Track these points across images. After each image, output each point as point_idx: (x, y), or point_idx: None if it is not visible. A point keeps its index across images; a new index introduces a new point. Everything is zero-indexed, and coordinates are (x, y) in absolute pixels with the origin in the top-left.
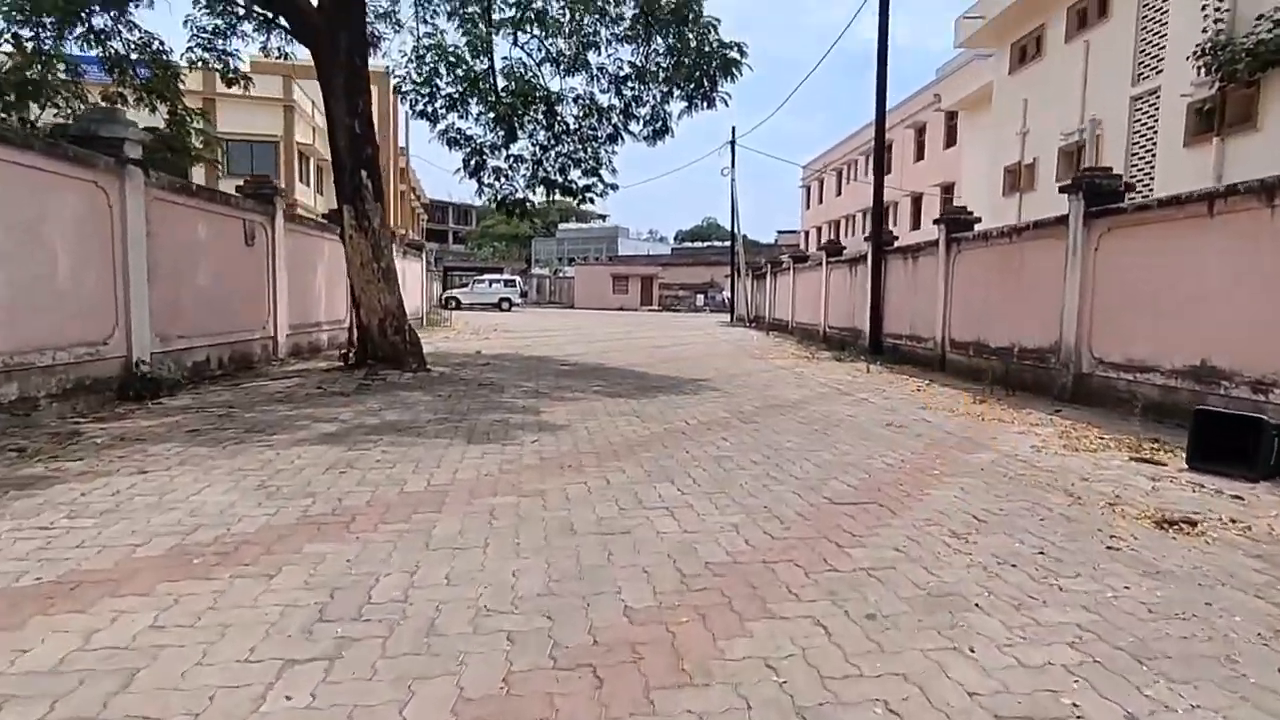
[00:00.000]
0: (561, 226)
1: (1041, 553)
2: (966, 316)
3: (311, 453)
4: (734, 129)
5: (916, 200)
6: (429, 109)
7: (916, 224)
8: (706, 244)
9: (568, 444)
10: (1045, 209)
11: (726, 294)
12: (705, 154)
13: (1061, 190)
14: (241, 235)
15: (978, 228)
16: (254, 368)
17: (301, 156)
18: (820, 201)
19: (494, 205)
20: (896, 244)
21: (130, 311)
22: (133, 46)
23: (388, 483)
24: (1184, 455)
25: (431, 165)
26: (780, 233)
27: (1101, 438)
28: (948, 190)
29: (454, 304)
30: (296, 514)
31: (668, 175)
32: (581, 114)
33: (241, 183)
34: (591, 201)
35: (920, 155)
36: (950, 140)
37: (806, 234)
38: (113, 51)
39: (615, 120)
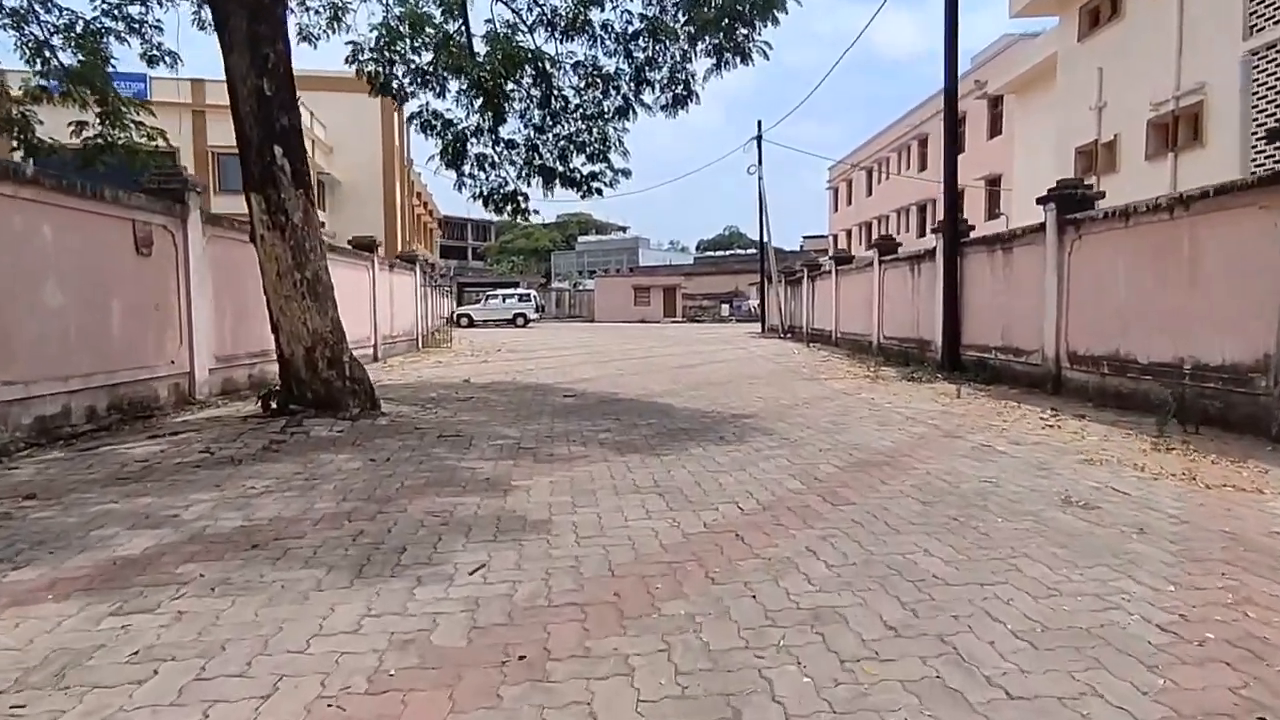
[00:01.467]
0: (581, 239)
1: None
2: (1094, 322)
3: (34, 624)
4: (760, 123)
5: (958, 196)
6: (390, 83)
7: None
8: (729, 252)
9: (534, 576)
10: (1131, 192)
11: (753, 303)
12: (729, 151)
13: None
14: (130, 242)
15: (1103, 204)
16: (151, 416)
17: None
18: (849, 203)
19: (478, 200)
20: (973, 234)
21: None
22: (54, 30)
23: None
24: None
25: (446, 178)
26: (806, 238)
27: None
28: (993, 183)
29: (466, 321)
30: None
31: (691, 175)
32: (583, 83)
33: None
34: (599, 193)
35: (960, 148)
36: (995, 129)
37: (835, 238)
38: (31, 37)
39: (625, 88)
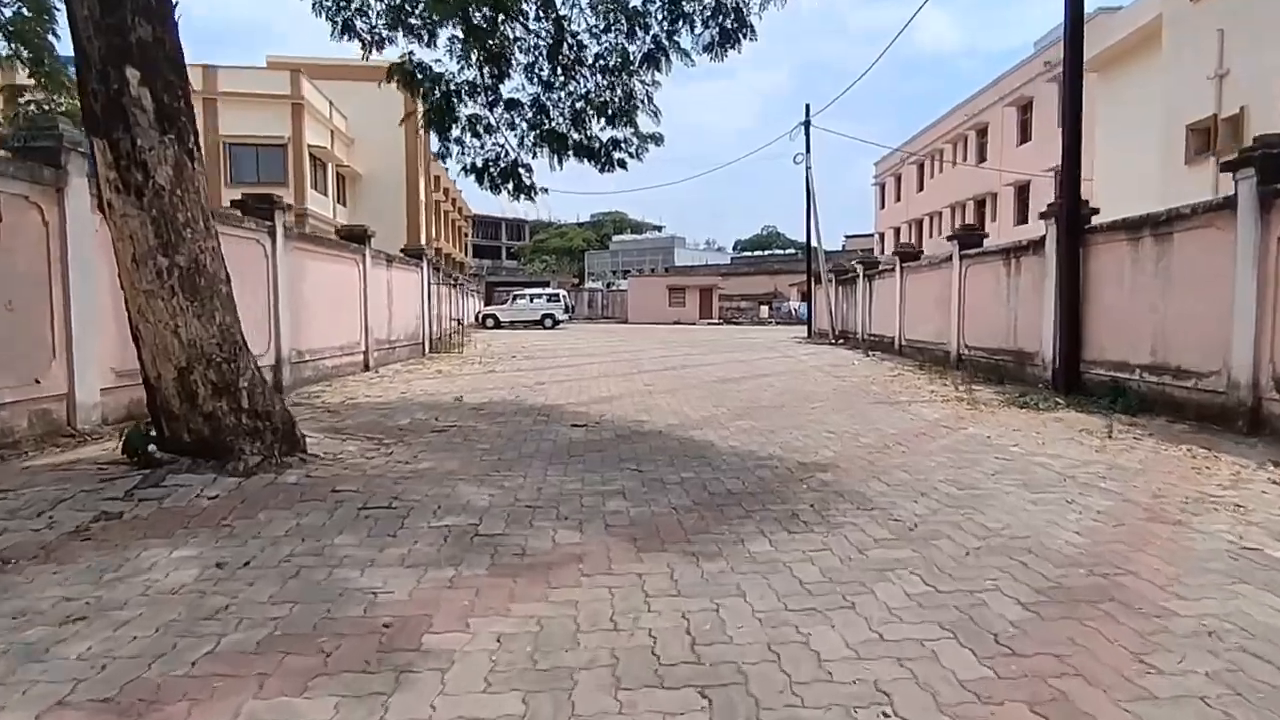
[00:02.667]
0: (616, 238)
1: None
2: None
3: None
4: (808, 107)
5: (1022, 190)
6: (353, 23)
7: (1024, 218)
8: (768, 252)
9: None
10: None
11: (794, 305)
12: (774, 138)
13: None
14: None
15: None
16: None
17: (316, 162)
18: (898, 199)
19: (470, 175)
20: (1103, 221)
21: None
22: None
23: None
24: None
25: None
26: (849, 237)
27: None
28: None
29: (492, 322)
30: None
31: (732, 165)
32: (602, 24)
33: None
34: (623, 165)
35: (1025, 137)
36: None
37: (881, 236)
38: None
39: (655, 27)
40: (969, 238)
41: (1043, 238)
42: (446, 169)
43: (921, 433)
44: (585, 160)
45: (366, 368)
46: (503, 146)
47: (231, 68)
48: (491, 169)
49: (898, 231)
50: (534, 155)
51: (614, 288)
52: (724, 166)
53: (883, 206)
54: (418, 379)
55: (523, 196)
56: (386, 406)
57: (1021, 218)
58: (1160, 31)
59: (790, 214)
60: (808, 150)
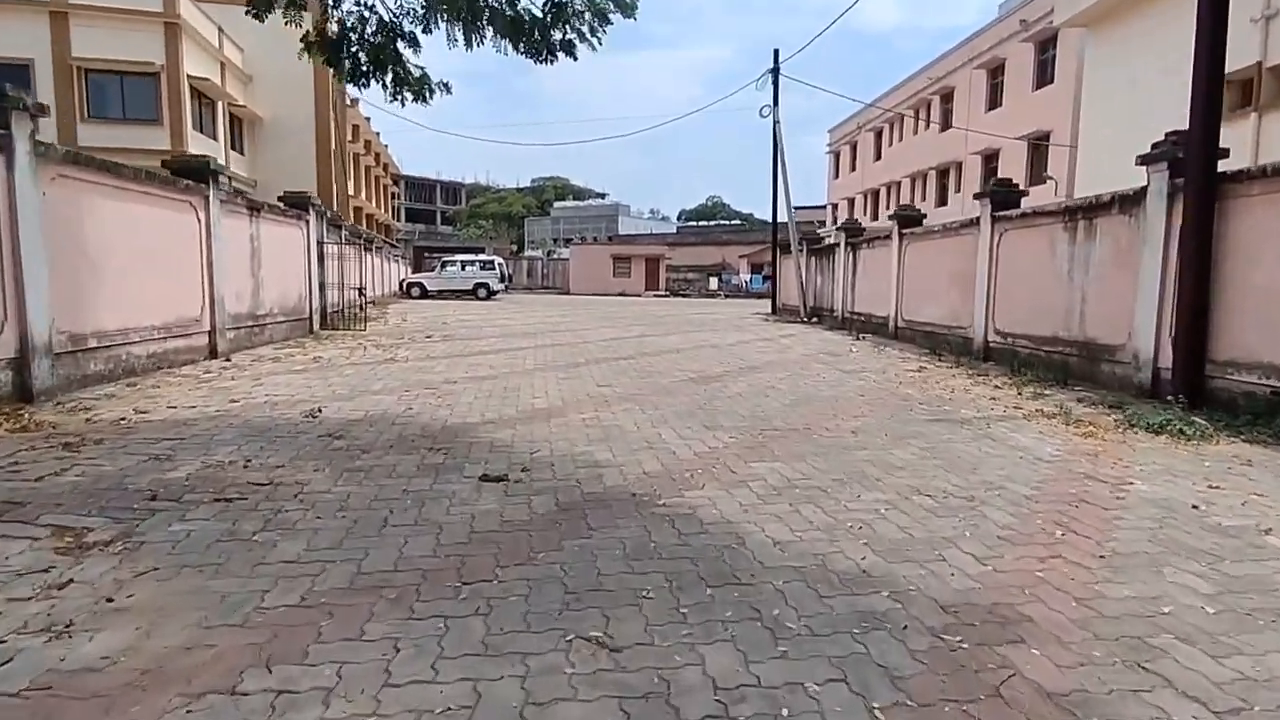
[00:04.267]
0: (557, 204)
1: None
2: None
3: None
4: (776, 53)
5: (990, 158)
6: None
7: None
8: (715, 223)
9: None
10: None
11: (744, 277)
12: (739, 88)
13: None
14: None
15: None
16: None
17: (201, 99)
18: (853, 169)
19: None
20: (1256, 166)
21: None
22: None
23: None
24: None
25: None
26: (797, 208)
27: None
28: (1041, 140)
29: (418, 292)
30: None
31: (691, 115)
32: None
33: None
34: (569, 51)
35: (995, 102)
36: (1044, 77)
37: (834, 207)
38: None
39: None
40: (1005, 195)
41: (1136, 192)
42: (369, 119)
43: (1073, 497)
44: (512, 42)
45: (214, 354)
46: (384, 19)
47: None
48: (353, 42)
49: (851, 202)
50: (428, 31)
51: (555, 256)
52: (682, 118)
53: (836, 176)
54: (281, 373)
55: (410, 96)
56: (185, 430)
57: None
58: None
59: (736, 185)
60: (775, 102)
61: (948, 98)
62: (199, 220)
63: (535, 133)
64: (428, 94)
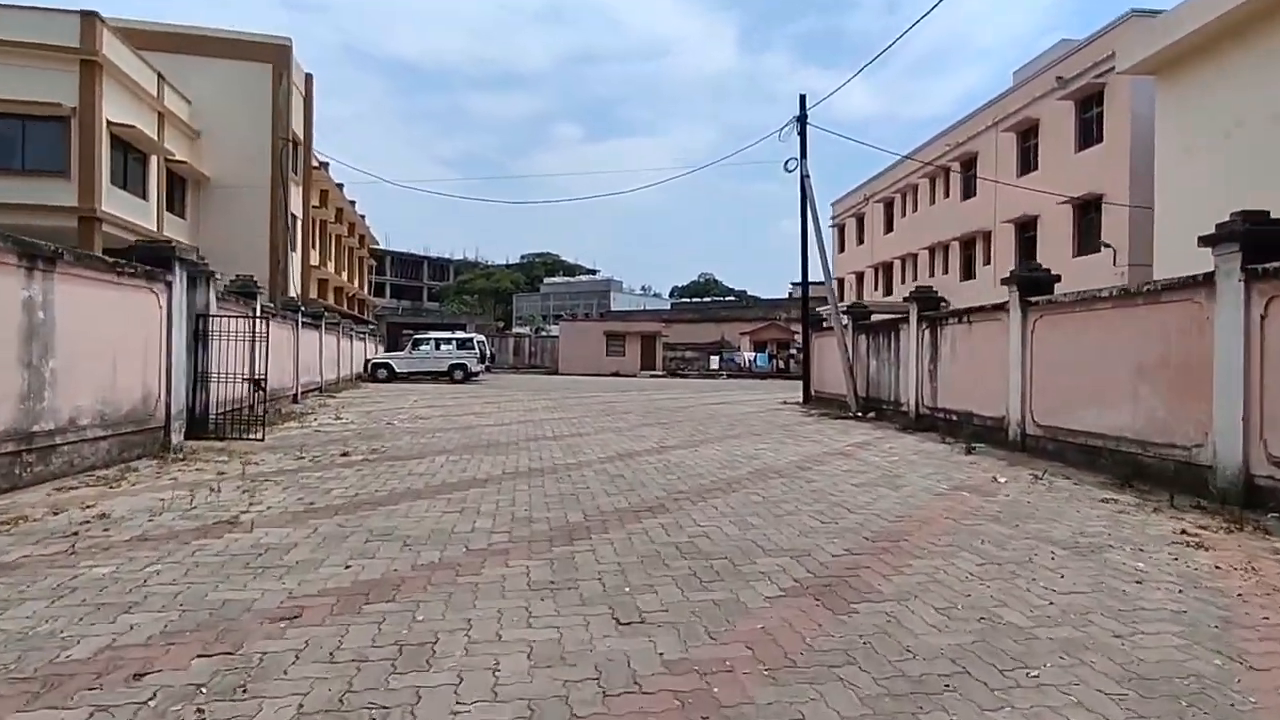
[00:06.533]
0: (547, 280)
1: None
2: None
3: None
4: (803, 98)
5: (1026, 226)
6: None
7: (1031, 257)
8: (710, 299)
9: None
10: None
11: (748, 355)
12: (760, 138)
13: None
14: None
15: None
16: None
17: (128, 150)
18: (860, 242)
19: None
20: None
21: None
22: None
23: None
24: None
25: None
26: (794, 284)
27: None
28: (1090, 206)
29: (384, 374)
30: None
31: (710, 166)
32: None
33: None
34: None
35: (1028, 165)
36: (1087, 138)
37: (840, 281)
38: None
39: None
40: (1269, 236)
41: None
42: (341, 186)
43: None
44: None
45: None
46: None
47: None
48: None
49: (860, 276)
50: None
51: (543, 333)
52: (700, 168)
53: (841, 250)
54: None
55: None
56: None
57: (1028, 257)
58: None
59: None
60: (803, 155)
61: (969, 164)
62: None
63: (525, 211)
64: None
